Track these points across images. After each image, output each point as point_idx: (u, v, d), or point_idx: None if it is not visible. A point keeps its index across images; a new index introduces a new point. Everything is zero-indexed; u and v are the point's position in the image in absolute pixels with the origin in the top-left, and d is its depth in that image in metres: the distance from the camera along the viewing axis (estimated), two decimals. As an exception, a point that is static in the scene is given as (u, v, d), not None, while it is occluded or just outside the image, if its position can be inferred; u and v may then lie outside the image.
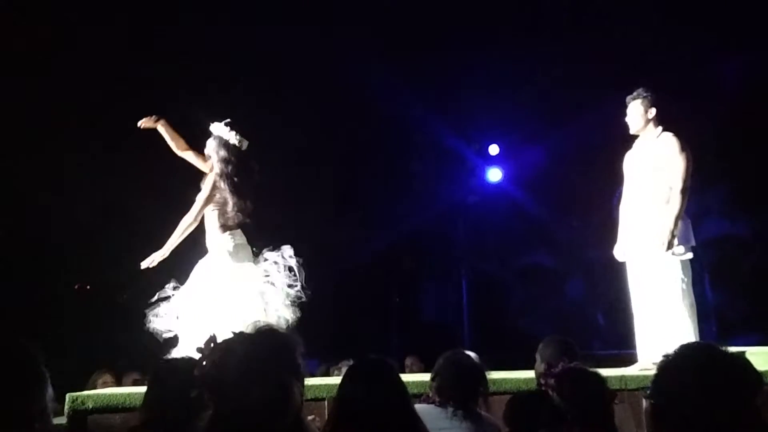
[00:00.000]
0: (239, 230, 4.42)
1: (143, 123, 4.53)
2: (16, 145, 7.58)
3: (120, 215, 8.45)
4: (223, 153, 4.41)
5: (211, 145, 4.49)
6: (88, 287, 9.55)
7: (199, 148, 4.61)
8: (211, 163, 4.48)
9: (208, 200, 4.40)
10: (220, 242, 4.35)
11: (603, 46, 9.08)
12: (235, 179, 4.38)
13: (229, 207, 4.37)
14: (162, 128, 4.56)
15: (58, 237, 8.54)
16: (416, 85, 9.45)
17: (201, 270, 4.34)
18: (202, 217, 4.46)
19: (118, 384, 5.18)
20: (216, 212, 4.39)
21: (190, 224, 4.42)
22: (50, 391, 1.83)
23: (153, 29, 7.90)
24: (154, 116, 4.55)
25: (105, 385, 4.98)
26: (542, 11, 9.27)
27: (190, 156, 4.61)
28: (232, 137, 4.44)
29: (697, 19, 8.76)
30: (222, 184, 4.38)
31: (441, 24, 9.21)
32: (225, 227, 4.37)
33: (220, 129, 4.48)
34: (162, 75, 7.93)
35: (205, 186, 4.44)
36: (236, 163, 4.41)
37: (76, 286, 9.51)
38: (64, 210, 8.26)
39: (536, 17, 9.30)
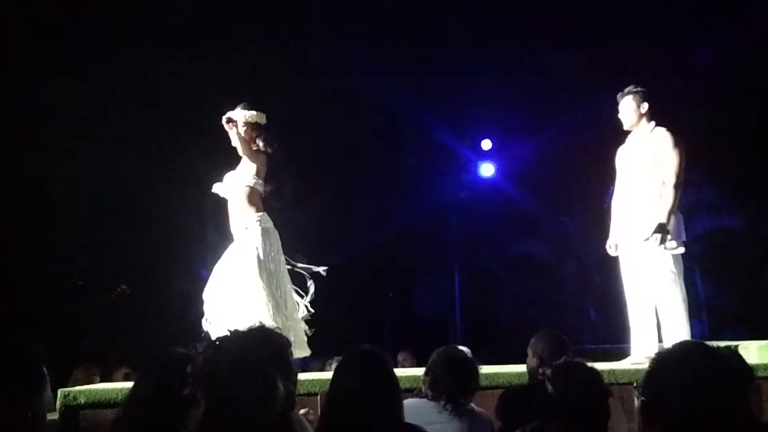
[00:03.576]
0: (266, 213, 4.34)
1: (224, 122, 4.30)
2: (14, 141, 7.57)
3: (114, 209, 8.43)
4: (262, 136, 4.38)
5: (245, 128, 4.37)
6: (80, 282, 9.53)
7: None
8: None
9: (253, 158, 4.30)
10: (250, 225, 4.23)
11: (596, 41, 9.10)
12: (274, 161, 4.37)
13: (268, 190, 4.33)
14: (234, 133, 4.30)
15: (51, 231, 8.51)
16: (409, 80, 9.45)
17: (231, 256, 4.28)
18: (224, 203, 4.41)
19: (104, 378, 5.14)
20: (248, 191, 4.30)
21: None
22: (49, 394, 1.82)
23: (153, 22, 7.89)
24: (229, 121, 4.30)
25: (94, 379, 4.94)
26: (535, 7, 9.27)
27: (251, 155, 4.36)
28: (256, 116, 4.41)
29: (693, 14, 8.78)
30: (265, 166, 4.34)
31: (434, 19, 9.21)
32: (256, 207, 4.29)
33: (242, 114, 4.37)
34: (157, 69, 7.92)
35: (255, 152, 4.34)
36: (275, 143, 4.40)
37: (68, 281, 9.49)
38: (56, 203, 8.23)
39: (529, 13, 9.30)
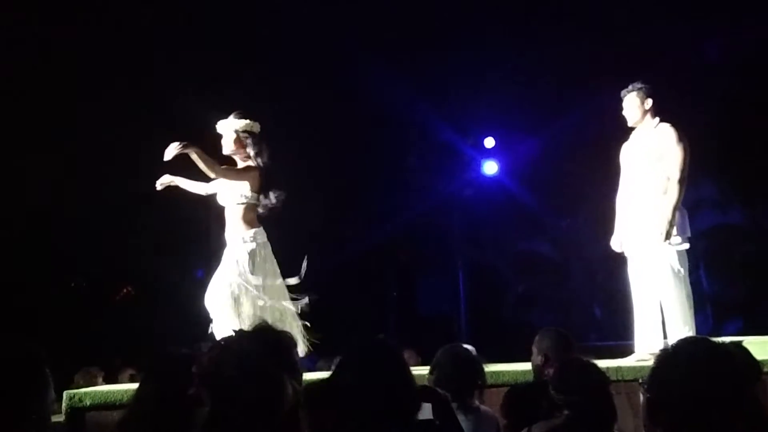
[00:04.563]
0: (261, 228, 4.34)
1: (171, 153, 4.02)
2: (14, 144, 7.59)
3: (116, 211, 8.44)
4: (258, 142, 4.33)
5: (235, 138, 4.33)
6: (85, 284, 9.55)
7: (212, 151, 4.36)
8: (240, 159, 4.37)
9: (236, 177, 4.26)
10: (245, 240, 4.25)
11: (598, 37, 9.07)
12: (270, 169, 4.33)
13: (269, 202, 4.30)
14: (195, 155, 4.05)
15: (54, 233, 8.52)
16: (412, 78, 9.44)
17: (225, 265, 4.29)
18: (221, 211, 4.41)
19: (109, 379, 5.15)
20: (244, 205, 4.28)
21: (209, 183, 4.33)
22: (52, 395, 1.82)
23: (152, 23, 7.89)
24: (181, 143, 4.01)
25: (97, 382, 4.94)
26: (538, 3, 9.25)
27: (228, 175, 4.29)
28: (248, 125, 4.38)
29: (693, 8, 8.75)
30: (259, 179, 4.29)
31: (437, 17, 9.19)
32: (251, 223, 4.29)
33: (234, 123, 4.35)
34: (158, 69, 7.92)
35: (245, 171, 4.27)
36: (267, 152, 4.35)
37: (72, 284, 9.51)
38: (62, 207, 8.24)
39: (531, 10, 9.28)
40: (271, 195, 4.33)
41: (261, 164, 4.32)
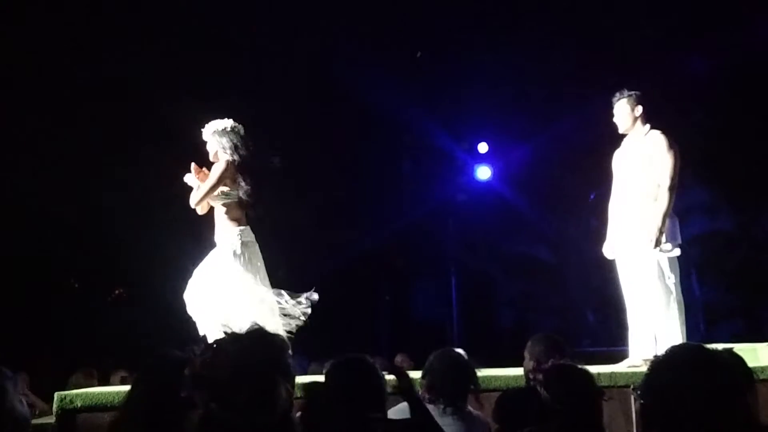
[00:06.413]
0: (249, 227, 4.32)
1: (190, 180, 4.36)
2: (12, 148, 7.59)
3: (110, 212, 8.43)
4: (228, 140, 4.30)
5: (213, 142, 4.34)
6: (77, 285, 9.52)
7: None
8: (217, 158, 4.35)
9: (216, 186, 4.25)
10: (230, 238, 4.23)
11: (590, 45, 9.13)
12: (246, 163, 4.28)
13: (242, 193, 4.23)
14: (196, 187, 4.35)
15: (48, 235, 8.50)
16: (406, 84, 9.46)
17: (210, 263, 4.28)
18: (209, 212, 4.40)
19: (100, 381, 5.14)
20: (227, 204, 4.28)
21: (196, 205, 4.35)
22: (10, 402, 1.79)
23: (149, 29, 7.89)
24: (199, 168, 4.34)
25: (94, 383, 4.93)
26: (530, 11, 9.30)
27: (206, 188, 4.31)
28: (224, 124, 4.38)
29: (687, 16, 8.82)
30: (233, 172, 4.25)
31: (431, 23, 9.23)
32: (238, 221, 4.27)
33: (214, 124, 4.38)
34: (151, 72, 7.92)
35: (214, 171, 4.27)
36: (245, 147, 4.32)
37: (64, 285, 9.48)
38: (55, 208, 8.22)
39: (524, 17, 9.33)
40: (242, 184, 4.25)
41: (232, 157, 4.29)
